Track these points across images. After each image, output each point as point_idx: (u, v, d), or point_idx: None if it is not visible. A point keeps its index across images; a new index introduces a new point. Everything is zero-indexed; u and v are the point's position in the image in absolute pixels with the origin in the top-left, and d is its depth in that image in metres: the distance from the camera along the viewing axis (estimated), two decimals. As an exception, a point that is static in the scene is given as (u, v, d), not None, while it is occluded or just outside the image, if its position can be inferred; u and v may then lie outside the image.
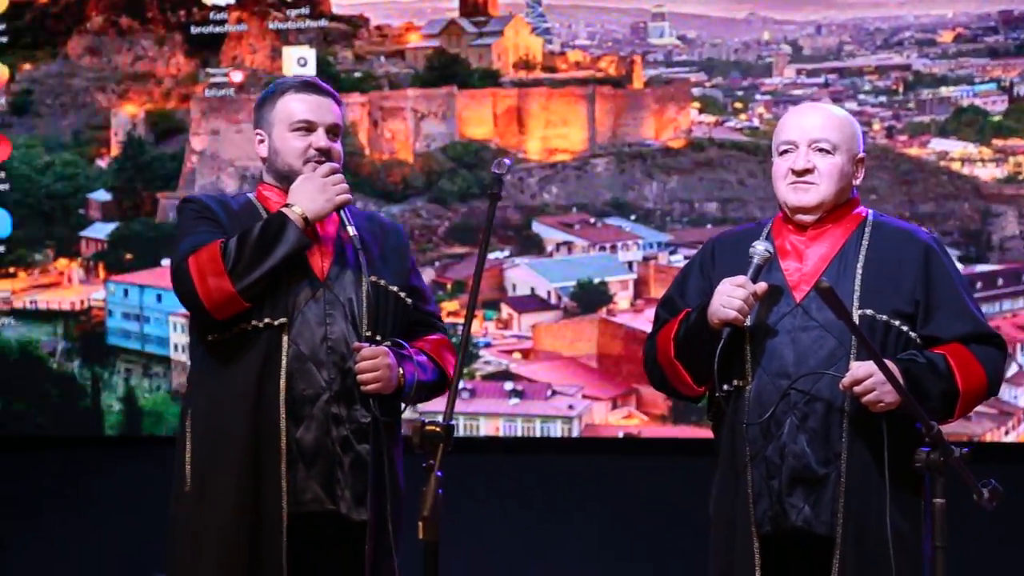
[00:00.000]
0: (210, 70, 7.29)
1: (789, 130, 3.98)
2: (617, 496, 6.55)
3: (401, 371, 3.94)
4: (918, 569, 3.84)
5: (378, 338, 3.97)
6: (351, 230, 3.97)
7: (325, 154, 4.01)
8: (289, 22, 7.18)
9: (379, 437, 3.95)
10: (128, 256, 7.34)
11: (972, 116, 6.78)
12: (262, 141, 4.10)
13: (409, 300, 4.11)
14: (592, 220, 6.95)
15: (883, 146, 6.72)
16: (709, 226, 6.86)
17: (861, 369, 3.71)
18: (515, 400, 6.79)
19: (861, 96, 6.87)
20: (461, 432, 6.65)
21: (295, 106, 4.03)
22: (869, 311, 3.84)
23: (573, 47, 7.15)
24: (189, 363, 4.21)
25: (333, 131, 4.05)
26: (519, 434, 6.74)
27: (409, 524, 3.96)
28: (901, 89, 6.87)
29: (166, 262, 7.20)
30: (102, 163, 7.41)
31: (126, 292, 7.35)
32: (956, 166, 6.67)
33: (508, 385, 6.80)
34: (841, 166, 3.92)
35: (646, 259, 6.96)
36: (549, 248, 6.90)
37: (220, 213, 4.00)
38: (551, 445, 6.71)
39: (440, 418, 3.47)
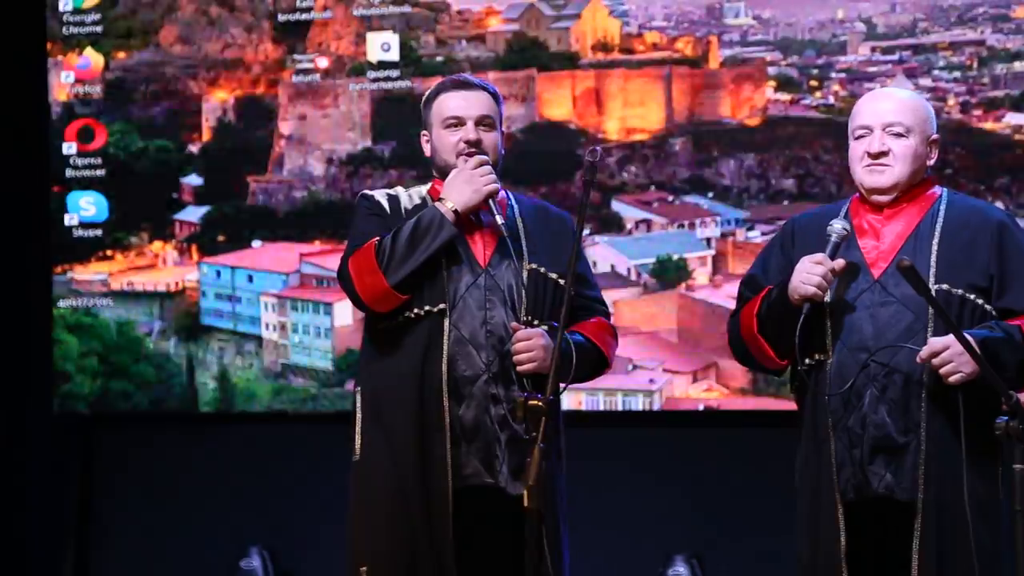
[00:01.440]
0: (297, 56, 7.40)
1: (864, 115, 4.10)
2: (699, 467, 6.64)
3: (556, 350, 4.01)
4: (996, 533, 3.92)
5: (536, 322, 4.15)
6: (499, 219, 4.13)
7: (475, 145, 4.20)
8: (372, 8, 7.28)
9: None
10: (220, 238, 7.46)
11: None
12: (427, 141, 4.32)
13: (563, 283, 4.21)
14: (670, 198, 7.00)
15: (958, 121, 6.70)
16: (786, 202, 6.89)
17: (939, 342, 3.83)
18: None
19: (936, 72, 6.86)
20: (544, 406, 6.78)
21: (446, 104, 4.25)
22: (945, 286, 3.94)
23: (650, 29, 7.16)
24: (360, 347, 4.41)
25: (484, 122, 4.24)
26: (601, 408, 6.83)
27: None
28: (975, 65, 6.84)
29: (257, 243, 7.44)
30: (194, 148, 7.53)
31: (218, 273, 7.48)
32: None
33: None
34: (915, 148, 4.04)
35: (724, 235, 6.99)
36: (628, 226, 6.96)
37: (391, 208, 4.23)
38: (633, 418, 6.80)
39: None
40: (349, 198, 7.21)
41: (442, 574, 4.14)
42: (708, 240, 6.95)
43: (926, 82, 6.76)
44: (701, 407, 6.79)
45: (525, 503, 3.63)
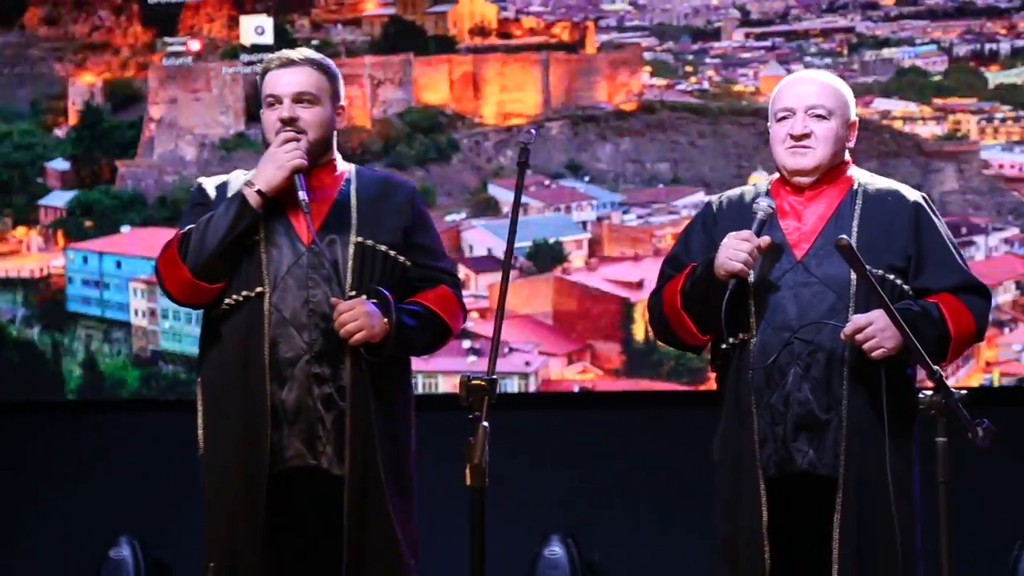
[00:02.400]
0: (167, 39, 7.38)
1: (786, 98, 4.17)
2: (574, 448, 6.74)
3: (386, 320, 4.03)
4: (912, 504, 4.07)
5: (364, 296, 4.08)
6: (302, 195, 4.05)
7: (291, 123, 4.12)
8: None
9: (366, 393, 4.06)
10: (87, 224, 7.40)
11: (913, 77, 7.02)
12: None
13: (402, 258, 4.19)
14: (547, 182, 7.09)
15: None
16: (661, 186, 7.04)
17: (862, 319, 3.93)
18: (472, 358, 6.94)
19: (807, 58, 7.08)
20: (420, 390, 6.80)
21: (267, 82, 4.20)
22: (866, 266, 3.98)
23: (527, 14, 7.28)
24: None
25: (303, 99, 4.15)
26: None
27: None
28: (845, 51, 7.08)
29: (125, 229, 7.39)
30: (60, 132, 7.46)
31: (85, 259, 7.43)
32: (898, 124, 6.89)
33: (466, 343, 6.95)
34: (836, 130, 4.13)
35: (600, 219, 7.12)
36: (505, 210, 7.05)
37: (216, 197, 4.17)
38: (509, 400, 6.86)
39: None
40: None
41: (256, 559, 4.11)
42: (584, 224, 7.06)
43: (797, 68, 6.90)
44: (576, 389, 6.89)
45: (467, 481, 3.60)
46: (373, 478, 4.09)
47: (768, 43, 7.16)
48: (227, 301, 4.11)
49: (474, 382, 3.60)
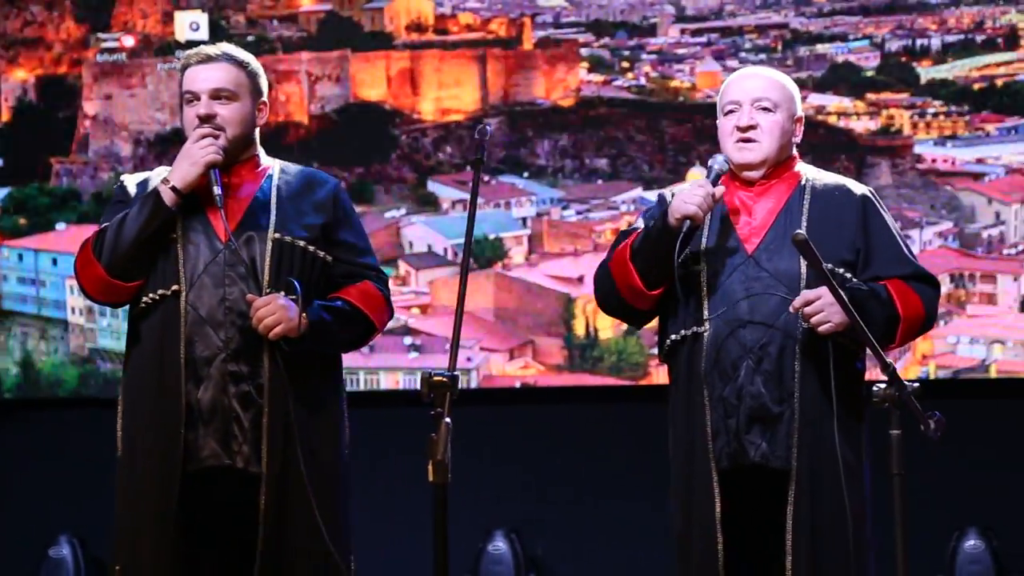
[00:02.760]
0: (101, 35, 7.41)
1: (733, 91, 4.24)
2: (516, 443, 6.81)
3: (304, 315, 4.00)
4: (862, 493, 4.15)
5: (282, 293, 4.04)
6: (216, 190, 4.03)
7: (207, 120, 4.08)
8: None
9: (284, 390, 4.04)
10: (22, 221, 7.43)
11: (846, 72, 7.14)
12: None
13: (322, 253, 4.16)
14: (486, 178, 7.13)
15: None
16: (599, 181, 7.15)
17: (811, 293, 3.99)
18: (414, 354, 7.01)
19: (742, 54, 7.18)
20: (361, 386, 6.85)
21: (185, 78, 4.15)
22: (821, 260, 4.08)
23: (464, 10, 7.35)
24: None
25: (220, 95, 4.11)
26: (418, 387, 6.94)
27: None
28: (780, 47, 7.19)
29: (61, 226, 7.42)
30: None
31: (20, 256, 7.46)
32: (833, 119, 7.02)
33: (407, 340, 7.02)
34: (782, 123, 4.18)
35: (539, 215, 7.23)
36: (444, 206, 7.13)
37: (135, 194, 4.11)
38: (450, 396, 6.95)
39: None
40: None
41: (165, 560, 4.09)
42: (524, 220, 7.15)
43: (733, 63, 7.04)
44: (518, 384, 6.98)
45: (430, 477, 3.66)
46: (294, 474, 4.07)
47: (703, 39, 7.26)
48: (144, 300, 4.08)
49: (436, 379, 3.63)
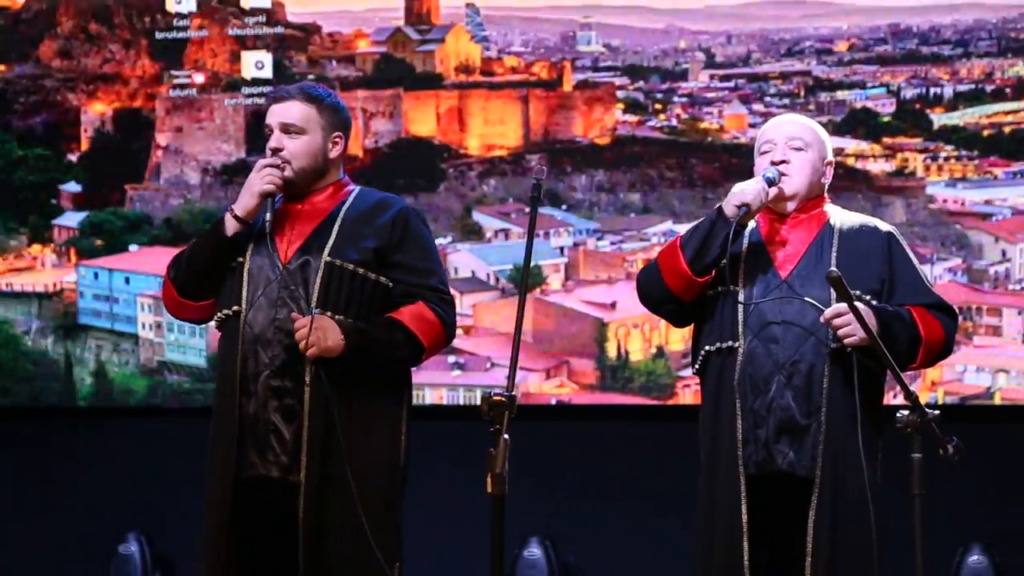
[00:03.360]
0: (173, 72, 7.71)
1: (770, 133, 4.46)
2: (551, 456, 6.95)
3: (342, 333, 4.09)
4: (880, 508, 4.26)
5: (329, 314, 4.15)
6: (268, 216, 4.17)
7: (276, 152, 4.23)
8: (247, 28, 7.65)
9: (324, 406, 4.13)
10: (98, 242, 7.71)
11: (864, 117, 7.28)
12: None
13: (373, 275, 4.22)
14: (527, 209, 6.82)
15: None
16: (632, 215, 7.30)
17: (841, 306, 4.13)
18: (457, 372, 7.23)
19: (767, 99, 7.32)
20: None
21: (267, 114, 4.34)
22: (851, 291, 4.21)
23: (509, 53, 7.56)
24: None
25: (289, 130, 4.25)
26: (461, 402, 7.19)
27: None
28: (802, 92, 7.32)
29: (133, 248, 7.72)
30: (73, 157, 7.80)
31: (96, 275, 7.73)
32: (851, 161, 7.13)
33: (451, 358, 7.20)
34: (812, 161, 4.40)
35: (576, 244, 7.36)
36: (488, 235, 7.33)
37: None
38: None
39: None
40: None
41: (222, 559, 4.22)
42: (561, 249, 7.34)
43: (759, 107, 7.25)
44: (553, 401, 7.18)
45: (488, 489, 3.71)
46: (337, 483, 4.13)
47: (731, 84, 7.38)
48: (217, 316, 4.27)
49: (495, 398, 3.72)
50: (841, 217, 4.46)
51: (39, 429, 7.66)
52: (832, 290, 4.16)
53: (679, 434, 6.87)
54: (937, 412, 3.87)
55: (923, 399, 6.84)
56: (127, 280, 7.71)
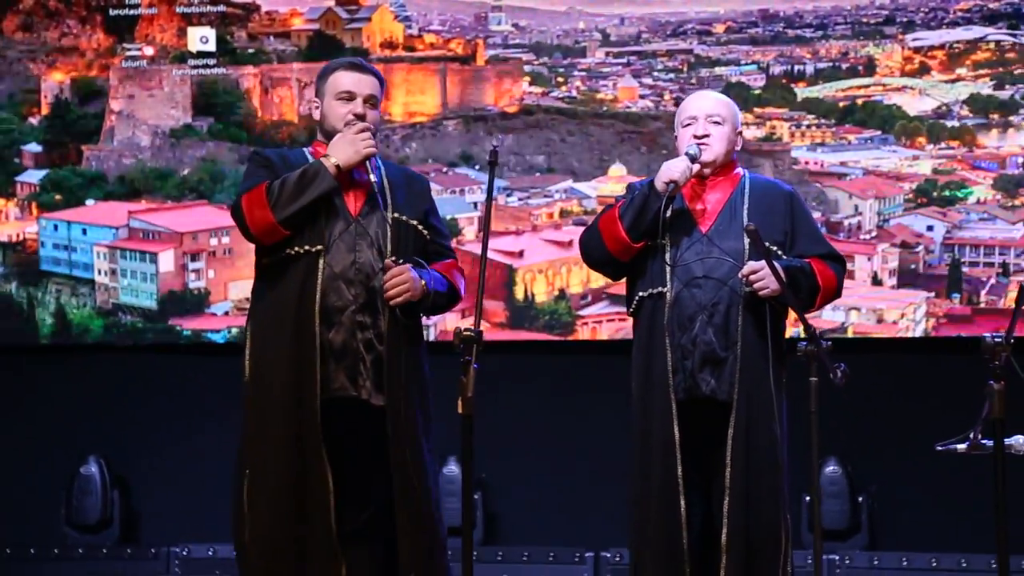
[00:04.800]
0: (126, 45, 8.10)
1: (691, 108, 4.85)
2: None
3: (423, 281, 4.48)
4: (784, 422, 4.69)
5: (400, 261, 4.49)
6: (374, 177, 4.51)
7: (360, 119, 4.53)
8: (193, 6, 8.07)
9: (399, 340, 4.46)
10: (57, 197, 8.07)
11: (738, 90, 7.62)
12: (317, 107, 4.68)
13: (425, 232, 4.62)
14: (444, 169, 7.74)
15: (672, 112, 6.93)
16: (537, 174, 7.71)
17: (756, 263, 4.56)
18: None
19: (655, 74, 7.72)
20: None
21: (341, 80, 4.61)
22: (764, 242, 4.55)
23: (428, 31, 7.94)
24: (252, 286, 4.77)
25: (370, 101, 4.59)
26: None
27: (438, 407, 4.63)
28: (685, 68, 7.75)
29: (90, 202, 8.11)
30: (34, 121, 8.14)
31: (56, 227, 8.07)
32: None
33: None
34: (728, 133, 4.80)
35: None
36: None
37: (278, 163, 4.58)
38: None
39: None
40: (172, 164, 8.09)
41: (313, 471, 4.42)
42: (475, 204, 7.76)
43: (648, 81, 7.71)
44: None
45: (459, 409, 4.06)
46: (406, 409, 4.46)
47: (624, 60, 7.75)
48: (288, 251, 4.44)
49: (465, 333, 4.06)
50: (752, 178, 4.85)
51: (4, 365, 7.96)
52: (746, 240, 4.57)
53: (577, 365, 7.56)
54: (830, 343, 4.25)
55: (788, 333, 7.58)
56: (84, 231, 8.03)
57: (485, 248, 4.25)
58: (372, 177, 4.53)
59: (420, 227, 4.62)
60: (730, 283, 4.62)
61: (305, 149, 4.71)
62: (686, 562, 4.64)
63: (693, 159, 4.67)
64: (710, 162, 4.75)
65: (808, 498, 6.12)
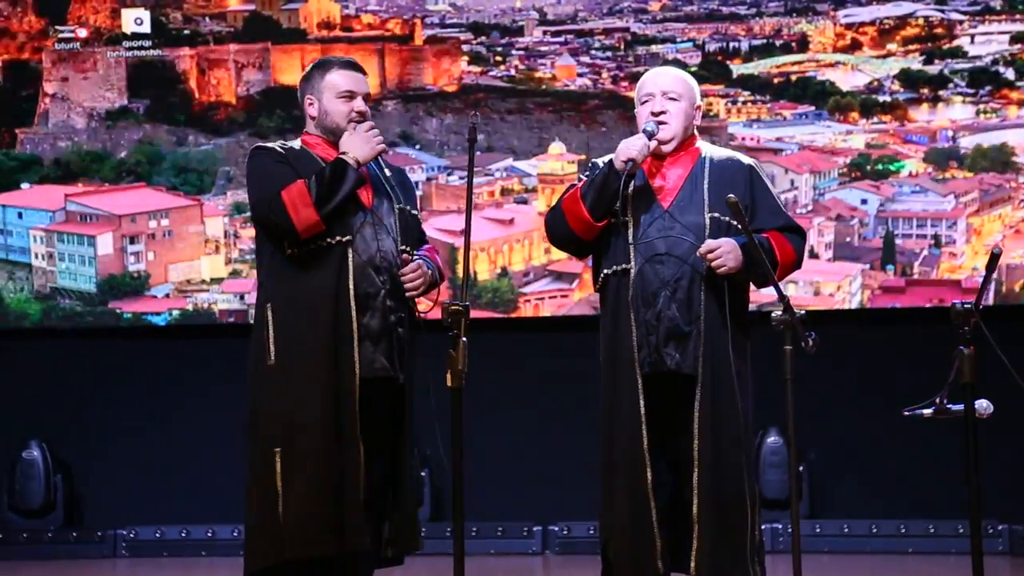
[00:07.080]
0: (59, 27, 8.19)
1: (648, 85, 4.86)
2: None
3: (429, 271, 4.75)
4: (748, 397, 4.76)
5: (407, 248, 4.77)
6: (387, 172, 4.77)
7: (362, 116, 4.75)
8: None
9: (414, 322, 4.79)
10: None
11: (675, 67, 7.52)
12: (312, 104, 4.84)
13: (419, 220, 4.90)
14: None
15: (610, 90, 7.84)
16: (478, 153, 7.23)
17: (713, 242, 4.63)
18: None
19: (593, 52, 7.90)
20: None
21: (341, 80, 4.79)
22: (716, 214, 4.73)
23: (365, 11, 8.08)
24: (259, 269, 4.93)
25: (366, 99, 4.82)
26: None
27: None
28: (622, 46, 7.91)
29: (25, 186, 8.22)
30: None
31: None
32: None
33: None
34: (685, 109, 4.82)
35: (428, 179, 7.94)
36: None
37: (291, 157, 4.75)
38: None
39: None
40: (109, 147, 8.18)
41: (349, 447, 4.62)
42: (416, 183, 7.79)
43: (585, 59, 7.87)
44: None
45: (448, 383, 4.23)
46: (412, 387, 4.81)
47: (562, 39, 7.93)
48: (320, 243, 4.62)
49: (453, 308, 4.20)
50: (711, 152, 4.87)
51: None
52: (707, 216, 4.67)
53: (519, 342, 7.74)
54: (804, 313, 4.38)
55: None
56: (20, 215, 8.16)
57: (468, 225, 4.42)
58: (387, 171, 4.79)
59: (418, 216, 4.91)
60: (691, 260, 4.69)
61: (295, 142, 4.86)
62: (655, 532, 4.73)
63: (650, 136, 4.71)
64: (667, 139, 4.80)
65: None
